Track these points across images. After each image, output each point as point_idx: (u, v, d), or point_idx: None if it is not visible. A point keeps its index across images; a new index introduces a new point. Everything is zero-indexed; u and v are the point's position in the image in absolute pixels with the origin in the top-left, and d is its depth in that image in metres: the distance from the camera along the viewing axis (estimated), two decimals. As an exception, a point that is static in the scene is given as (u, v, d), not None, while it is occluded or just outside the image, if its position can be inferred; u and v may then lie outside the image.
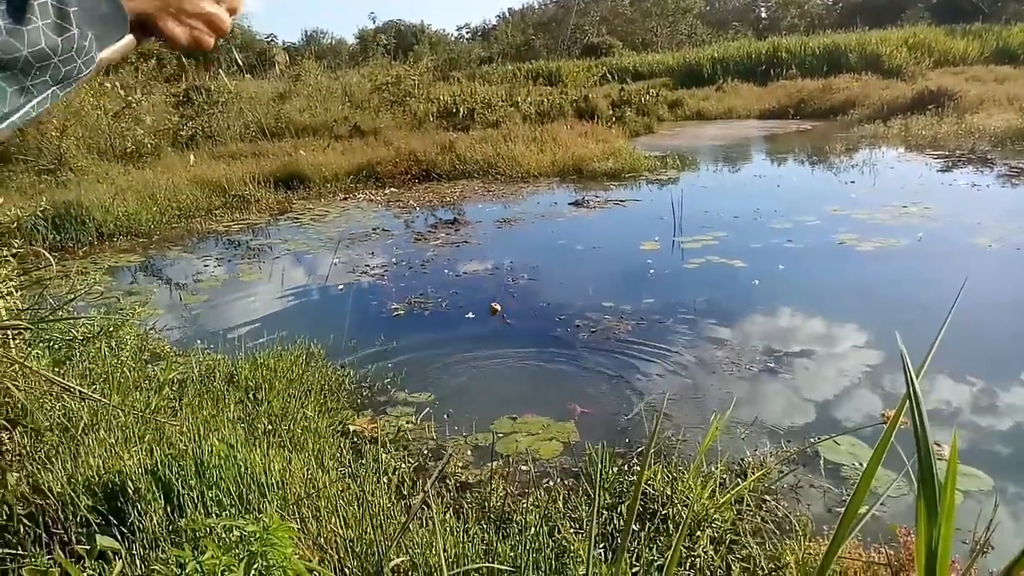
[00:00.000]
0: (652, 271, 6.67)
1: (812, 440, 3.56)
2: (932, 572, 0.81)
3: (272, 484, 2.61)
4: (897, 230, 7.48)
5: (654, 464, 2.97)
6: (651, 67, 31.88)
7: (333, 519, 2.44)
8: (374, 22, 53.50)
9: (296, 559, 1.72)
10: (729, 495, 2.64)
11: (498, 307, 5.37)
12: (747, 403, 4.01)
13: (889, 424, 0.86)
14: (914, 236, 7.23)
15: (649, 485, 2.82)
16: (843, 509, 2.21)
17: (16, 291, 3.31)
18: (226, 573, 1.64)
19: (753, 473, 2.95)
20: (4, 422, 2.77)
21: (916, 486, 0.83)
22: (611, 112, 18.06)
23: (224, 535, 1.83)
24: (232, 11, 0.80)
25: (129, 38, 0.72)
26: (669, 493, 2.70)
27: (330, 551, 2.27)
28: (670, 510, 2.59)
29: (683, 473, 2.85)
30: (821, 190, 10.52)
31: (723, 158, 14.15)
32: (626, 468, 3.10)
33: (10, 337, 3.18)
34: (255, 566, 1.64)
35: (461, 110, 16.44)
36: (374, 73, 19.76)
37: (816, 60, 26.69)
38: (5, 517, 2.35)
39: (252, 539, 1.67)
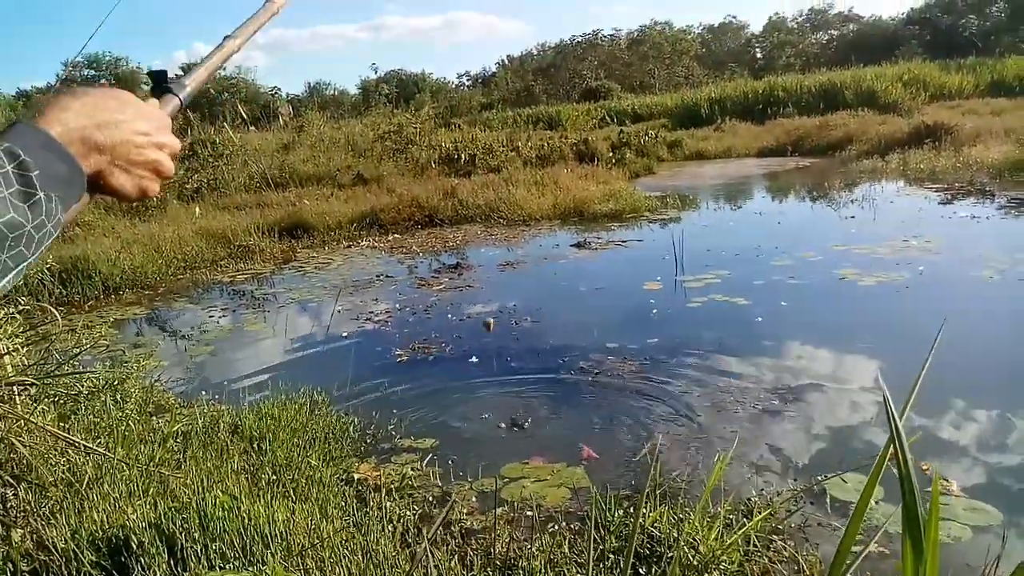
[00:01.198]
0: (655, 311, 6.68)
1: (819, 478, 3.54)
2: (919, 607, 0.82)
3: (276, 535, 2.60)
4: (899, 264, 7.50)
5: (660, 506, 2.96)
6: (649, 109, 32.30)
7: (337, 569, 2.42)
8: (376, 72, 54.50)
9: (298, 610, 1.72)
10: (736, 536, 2.62)
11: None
12: (753, 442, 3.99)
13: (876, 464, 0.88)
14: (915, 270, 7.24)
15: (655, 527, 2.80)
16: (857, 550, 2.20)
17: (22, 347, 3.35)
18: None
19: (760, 512, 2.92)
20: (9, 478, 2.78)
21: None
22: (611, 154, 18.25)
23: (226, 588, 1.83)
24: (173, 156, 0.81)
25: (86, 196, 0.72)
26: (675, 535, 2.69)
27: (334, 602, 2.26)
28: (677, 552, 2.57)
29: (689, 514, 2.83)
30: (821, 226, 10.58)
31: (723, 197, 14.25)
32: (632, 510, 3.08)
33: (16, 393, 3.21)
34: (257, 619, 1.64)
35: (462, 156, 16.64)
36: (376, 122, 20.07)
37: (812, 98, 27.00)
38: (10, 573, 2.35)
39: (254, 591, 1.67)
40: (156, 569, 2.34)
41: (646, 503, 2.99)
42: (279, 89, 54.97)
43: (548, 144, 18.27)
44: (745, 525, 2.77)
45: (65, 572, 2.37)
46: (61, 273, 8.43)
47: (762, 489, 3.40)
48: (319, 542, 2.58)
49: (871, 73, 27.89)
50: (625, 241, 10.03)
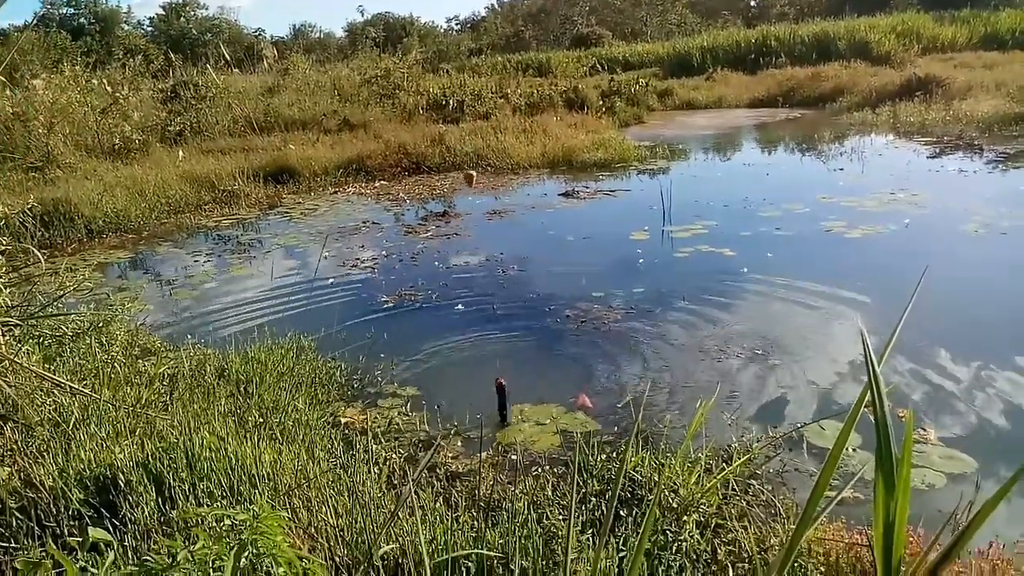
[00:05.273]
0: (642, 260, 6.70)
1: (798, 425, 3.60)
2: (890, 542, 0.84)
3: (263, 475, 2.63)
4: (885, 217, 7.53)
5: (642, 451, 3.00)
6: (641, 57, 31.91)
7: (324, 509, 2.46)
8: (363, 15, 53.35)
9: (286, 547, 1.74)
10: (715, 480, 2.67)
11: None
12: (735, 390, 4.05)
13: (853, 408, 0.89)
14: (901, 222, 7.27)
15: (637, 472, 2.85)
16: (832, 494, 2.25)
17: (5, 288, 3.32)
18: (217, 562, 1.66)
19: (739, 458, 2.98)
20: (-5, 418, 2.78)
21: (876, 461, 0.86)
22: (601, 103, 18.07)
23: (215, 525, 1.85)
24: None
25: None
26: (656, 479, 2.74)
27: (321, 540, 2.29)
28: (657, 495, 2.62)
29: (670, 459, 2.89)
30: (810, 178, 10.57)
31: (713, 147, 14.18)
32: (614, 455, 3.13)
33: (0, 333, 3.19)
34: (245, 554, 1.66)
35: (451, 102, 16.41)
36: (363, 66, 19.69)
37: (805, 48, 26.74)
38: (-3, 511, 2.37)
39: (242, 528, 1.70)
40: (144, 507, 2.36)
41: (629, 448, 3.04)
42: (263, 31, 53.87)
43: (538, 91, 18.04)
44: (724, 470, 2.83)
45: (53, 509, 2.40)
46: (43, 216, 8.32)
47: (742, 435, 3.46)
48: (305, 482, 2.62)
49: (865, 24, 27.57)
50: (613, 191, 9.99)
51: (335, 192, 11.04)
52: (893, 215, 7.57)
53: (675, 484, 2.70)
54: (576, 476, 2.91)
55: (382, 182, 11.65)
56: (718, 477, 2.69)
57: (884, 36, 25.44)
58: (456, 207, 9.48)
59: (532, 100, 17.33)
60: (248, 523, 1.70)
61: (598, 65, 27.78)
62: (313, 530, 2.36)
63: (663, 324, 5.09)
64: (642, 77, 23.17)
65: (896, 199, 8.29)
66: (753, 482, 2.97)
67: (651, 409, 3.84)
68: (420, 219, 8.92)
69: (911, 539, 2.30)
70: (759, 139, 15.12)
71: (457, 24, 64.11)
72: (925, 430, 3.50)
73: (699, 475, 2.75)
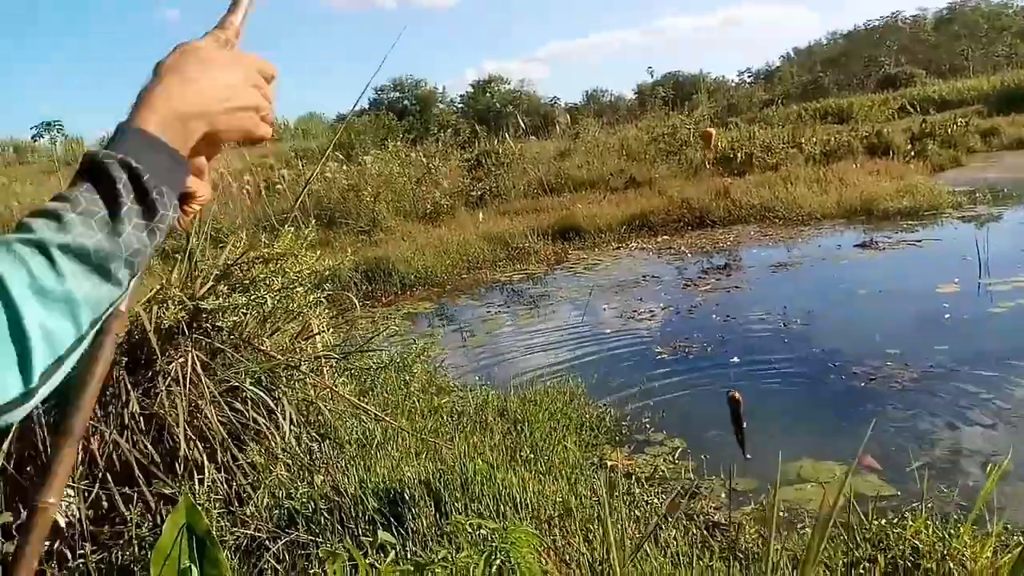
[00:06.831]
0: (948, 315, 6.02)
1: None
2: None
3: (526, 503, 2.82)
4: None
5: (924, 517, 2.72)
6: (960, 94, 28.84)
7: (578, 539, 2.58)
8: (652, 76, 54.44)
9: (532, 560, 1.88)
10: (1012, 556, 2.34)
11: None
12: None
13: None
14: None
15: (918, 539, 2.59)
16: None
17: (328, 328, 3.96)
18: (472, 568, 1.84)
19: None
20: (316, 435, 3.33)
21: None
22: (909, 146, 16.56)
23: (473, 533, 2.06)
24: (267, 80, 0.79)
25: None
26: (939, 548, 2.46)
27: (573, 567, 2.41)
28: (936, 565, 2.36)
29: (958, 528, 2.58)
30: None
31: (1049, 189, 12.30)
32: (894, 520, 2.86)
33: (324, 366, 3.80)
34: (495, 562, 1.83)
35: (738, 155, 16.13)
36: (651, 125, 20.15)
37: None
38: (311, 510, 2.83)
39: (494, 536, 1.87)
40: (424, 519, 2.67)
41: (911, 513, 2.77)
42: (558, 99, 57.38)
43: (835, 138, 17.06)
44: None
45: (353, 513, 2.81)
46: (367, 271, 9.65)
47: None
48: (565, 513, 2.76)
49: None
50: (919, 240, 9.09)
51: (618, 248, 11.37)
52: None
53: (963, 556, 2.41)
54: (847, 538, 2.73)
55: (664, 236, 11.77)
56: (1016, 554, 2.35)
57: None
58: (740, 260, 9.27)
59: (828, 148, 16.42)
60: (498, 532, 1.87)
61: (907, 106, 25.59)
62: (567, 557, 2.48)
63: (968, 385, 4.52)
64: (961, 116, 20.84)
65: None
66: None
67: (941, 476, 3.44)
68: (700, 272, 8.87)
69: None
70: (1113, 177, 12.82)
71: (749, 76, 62.94)
72: None
73: (993, 548, 2.42)
